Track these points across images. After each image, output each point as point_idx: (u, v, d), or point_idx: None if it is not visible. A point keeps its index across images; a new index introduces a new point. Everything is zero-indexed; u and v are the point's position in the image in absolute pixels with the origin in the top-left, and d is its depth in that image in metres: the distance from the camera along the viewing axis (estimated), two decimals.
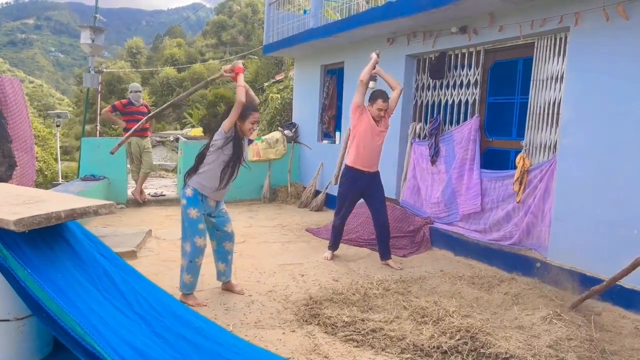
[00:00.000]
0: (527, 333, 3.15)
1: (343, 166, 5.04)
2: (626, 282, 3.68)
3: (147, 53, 49.35)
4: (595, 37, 4.03)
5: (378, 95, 4.73)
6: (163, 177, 12.24)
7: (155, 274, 4.24)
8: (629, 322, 3.50)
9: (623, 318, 3.56)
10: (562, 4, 4.24)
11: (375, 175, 4.89)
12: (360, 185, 4.85)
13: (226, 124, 3.58)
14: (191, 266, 3.62)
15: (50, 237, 2.24)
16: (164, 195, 8.18)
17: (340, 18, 7.55)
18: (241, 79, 3.64)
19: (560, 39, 4.45)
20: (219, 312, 3.50)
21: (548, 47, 4.57)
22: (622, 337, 3.27)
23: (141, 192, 7.59)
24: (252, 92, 3.81)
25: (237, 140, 3.65)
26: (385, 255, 4.93)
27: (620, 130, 3.87)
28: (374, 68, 4.83)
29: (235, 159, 3.66)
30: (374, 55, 4.87)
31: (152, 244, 5.32)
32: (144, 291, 2.26)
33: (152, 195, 8.04)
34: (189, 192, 3.62)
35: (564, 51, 4.39)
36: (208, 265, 3.96)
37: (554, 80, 4.51)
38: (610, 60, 3.92)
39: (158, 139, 18.96)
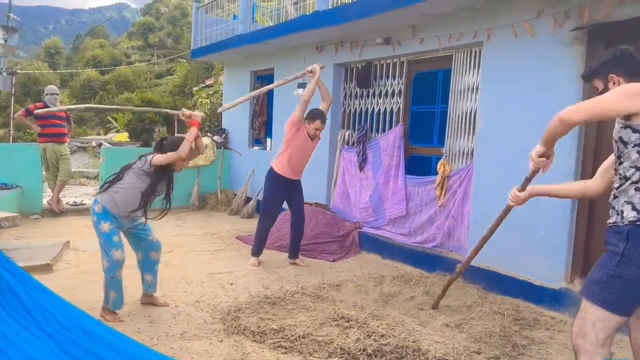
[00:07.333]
0: (448, 331, 3.31)
1: (268, 170, 5.06)
2: (535, 280, 4.00)
3: (67, 53, 46.79)
4: (505, 51, 4.33)
5: (317, 115, 4.83)
6: (84, 184, 11.58)
7: (73, 288, 4.01)
8: (536, 315, 3.78)
9: (534, 313, 3.83)
10: (476, 20, 4.52)
11: (299, 181, 5.10)
12: (287, 191, 5.02)
13: (159, 160, 3.40)
14: (112, 282, 3.41)
15: None
16: (85, 204, 7.72)
17: (272, 24, 7.56)
18: (191, 132, 3.49)
19: (475, 52, 4.74)
20: (143, 325, 3.36)
21: (465, 60, 4.85)
22: (533, 331, 3.52)
23: (58, 201, 7.14)
24: (201, 143, 3.67)
25: (165, 175, 3.52)
26: (294, 254, 5.14)
27: (527, 138, 4.16)
28: (316, 84, 4.85)
29: (165, 190, 3.57)
30: (317, 68, 4.82)
31: (70, 256, 5.01)
32: (51, 307, 2.13)
33: (70, 205, 7.58)
34: (97, 208, 3.39)
35: (479, 64, 4.68)
36: (132, 277, 3.79)
37: (470, 91, 4.79)
38: (518, 73, 4.23)
39: (79, 144, 17.96)
